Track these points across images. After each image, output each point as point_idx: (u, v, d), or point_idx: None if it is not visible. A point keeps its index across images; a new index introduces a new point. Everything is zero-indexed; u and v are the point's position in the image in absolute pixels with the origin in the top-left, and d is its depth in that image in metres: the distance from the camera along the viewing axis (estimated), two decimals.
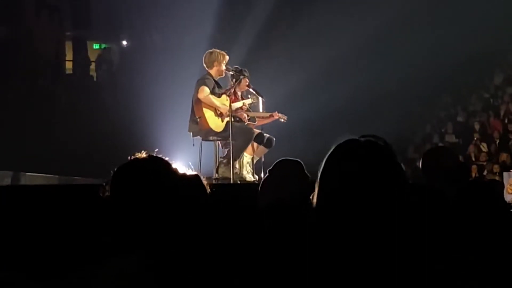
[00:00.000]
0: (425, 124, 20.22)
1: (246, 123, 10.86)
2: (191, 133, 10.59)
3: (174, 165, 2.73)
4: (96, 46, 22.36)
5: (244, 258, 2.61)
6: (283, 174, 4.11)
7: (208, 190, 2.81)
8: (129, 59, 20.80)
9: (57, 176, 11.57)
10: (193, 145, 10.75)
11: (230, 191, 7.64)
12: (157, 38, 20.25)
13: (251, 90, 11.05)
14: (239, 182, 10.24)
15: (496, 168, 16.30)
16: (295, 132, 14.09)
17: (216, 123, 10.37)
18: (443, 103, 21.07)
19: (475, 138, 18.60)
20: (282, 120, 11.31)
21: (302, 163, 4.22)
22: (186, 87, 10.84)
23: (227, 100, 10.44)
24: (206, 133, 10.47)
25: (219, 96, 10.43)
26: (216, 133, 10.45)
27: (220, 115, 10.42)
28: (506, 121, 18.95)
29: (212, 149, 10.92)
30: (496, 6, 18.44)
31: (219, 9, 17.47)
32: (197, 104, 10.33)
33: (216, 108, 10.34)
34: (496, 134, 18.31)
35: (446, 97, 21.15)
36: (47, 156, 12.97)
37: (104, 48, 22.05)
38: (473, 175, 16.62)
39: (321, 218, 2.13)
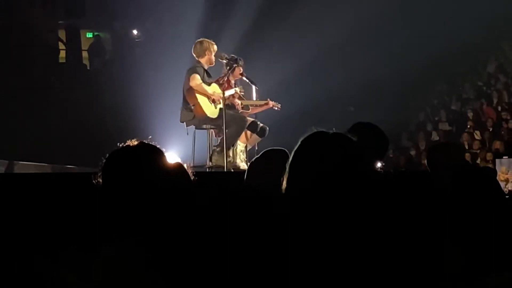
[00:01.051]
0: (418, 112, 20.22)
1: (239, 111, 10.87)
2: (185, 122, 10.62)
3: (166, 153, 2.73)
4: (89, 34, 22.28)
5: (232, 243, 2.63)
6: (267, 163, 4.12)
7: (192, 177, 2.81)
8: (122, 47, 20.76)
9: (50, 164, 11.56)
10: (187, 134, 10.77)
11: (224, 179, 7.65)
12: (151, 26, 20.21)
13: (244, 78, 11.06)
14: (232, 170, 10.25)
15: (489, 156, 16.32)
16: (289, 120, 14.07)
17: (210, 110, 10.42)
18: (437, 91, 21.08)
19: (469, 126, 18.63)
20: (276, 108, 11.33)
21: (287, 152, 4.22)
22: (180, 75, 10.84)
23: (217, 88, 10.49)
24: (201, 121, 10.50)
25: (209, 84, 10.48)
26: (210, 120, 10.48)
27: (213, 102, 10.46)
28: (499, 109, 18.98)
29: (205, 138, 10.94)
30: None
31: None
32: (190, 92, 10.36)
33: (209, 95, 10.38)
34: (489, 122, 18.33)
35: (439, 85, 21.16)
36: (41, 145, 12.96)
37: (97, 36, 21.98)
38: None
39: (289, 207, 2.25)
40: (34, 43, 17.57)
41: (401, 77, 18.47)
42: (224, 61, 10.88)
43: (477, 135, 18.19)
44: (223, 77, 10.74)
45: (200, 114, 10.36)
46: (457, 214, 3.33)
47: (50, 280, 2.47)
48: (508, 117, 18.22)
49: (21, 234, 5.12)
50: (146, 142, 2.74)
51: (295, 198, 2.23)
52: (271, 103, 11.28)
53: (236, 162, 10.69)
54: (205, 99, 10.41)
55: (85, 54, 21.43)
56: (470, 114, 19.15)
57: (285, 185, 2.29)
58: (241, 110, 10.92)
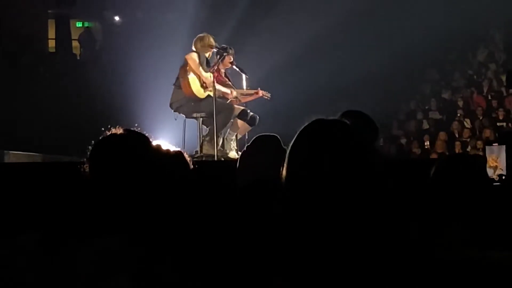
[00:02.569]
0: (409, 101, 20.24)
1: (229, 100, 10.87)
2: (173, 103, 10.61)
3: (156, 142, 2.72)
4: (79, 24, 22.23)
5: (225, 235, 2.62)
6: (261, 150, 4.10)
7: (191, 167, 2.80)
8: (112, 37, 20.72)
9: (40, 154, 11.54)
10: (175, 119, 10.78)
11: (214, 168, 7.65)
12: (140, 16, 20.17)
13: (234, 67, 11.05)
14: (222, 159, 10.26)
15: (479, 144, 16.35)
16: (279, 109, 14.09)
17: (198, 89, 10.43)
18: (427, 80, 21.08)
19: (459, 115, 18.67)
20: (266, 98, 11.32)
21: (279, 137, 4.22)
22: (170, 64, 10.83)
23: (211, 77, 10.48)
24: (188, 100, 10.47)
25: (206, 71, 10.51)
26: (197, 100, 10.44)
27: (203, 85, 10.48)
28: (489, 97, 19.02)
29: (195, 127, 10.93)
30: None
31: None
32: (183, 67, 10.40)
33: (201, 76, 10.41)
34: (479, 110, 18.37)
35: (429, 73, 21.17)
36: (31, 134, 12.94)
37: (87, 26, 21.92)
38: (457, 151, 16.69)
39: (289, 198, 2.17)
40: (23, 32, 17.52)
41: (391, 66, 18.48)
42: (215, 49, 10.88)
43: (467, 123, 18.24)
44: (213, 66, 10.73)
45: (188, 91, 10.37)
46: (441, 201, 3.34)
47: (37, 272, 2.46)
48: (498, 106, 18.28)
49: (11, 224, 5.12)
50: (133, 129, 2.72)
51: (298, 189, 2.14)
52: (261, 92, 11.27)
53: (226, 151, 10.70)
54: (196, 79, 10.44)
55: (75, 43, 21.39)
56: (460, 103, 19.18)
57: (285, 175, 2.20)
58: (231, 99, 10.91)
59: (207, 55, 10.68)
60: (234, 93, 10.94)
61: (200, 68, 10.44)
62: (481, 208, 3.29)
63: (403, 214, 2.23)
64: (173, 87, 10.65)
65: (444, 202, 3.32)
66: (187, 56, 10.46)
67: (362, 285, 2.03)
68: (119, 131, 2.67)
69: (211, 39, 10.71)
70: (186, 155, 2.80)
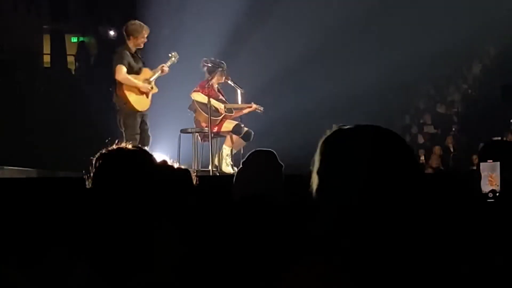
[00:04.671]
0: (404, 115, 20.27)
1: (223, 115, 10.87)
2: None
3: (159, 157, 2.73)
4: (74, 39, 22.25)
5: (223, 249, 2.63)
6: (257, 166, 4.11)
7: (195, 183, 2.82)
8: (107, 51, 20.73)
9: (35, 169, 11.52)
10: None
11: (209, 183, 7.65)
12: None
13: (229, 82, 11.08)
14: (218, 174, 10.27)
15: (474, 158, 16.36)
16: (274, 124, 14.09)
17: (141, 103, 10.24)
18: (422, 94, 21.12)
19: (454, 129, 18.69)
20: (259, 111, 11.34)
21: (275, 153, 4.22)
22: (165, 79, 10.82)
23: (148, 72, 10.36)
24: (132, 112, 10.29)
25: (138, 71, 10.29)
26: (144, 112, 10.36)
27: (143, 93, 10.30)
28: None
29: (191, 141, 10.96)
30: None
31: (198, 0, 17.40)
32: (119, 86, 10.18)
33: (139, 88, 10.21)
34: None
35: (424, 88, 21.21)
36: (25, 150, 12.92)
37: (82, 41, 21.93)
38: (451, 166, 16.70)
39: (331, 224, 1.93)
40: (18, 47, 17.52)
41: (386, 80, 18.50)
42: (209, 64, 10.90)
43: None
44: (207, 81, 10.75)
45: (132, 109, 10.22)
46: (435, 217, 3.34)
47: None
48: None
49: (6, 239, 5.11)
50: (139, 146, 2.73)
51: (339, 212, 1.90)
52: (254, 106, 11.29)
53: (222, 166, 10.71)
54: (134, 94, 10.20)
55: (70, 58, 21.39)
56: (455, 117, 19.21)
57: (317, 197, 1.95)
58: (224, 114, 10.92)
59: (131, 44, 10.29)
60: (223, 109, 10.96)
61: (133, 79, 10.17)
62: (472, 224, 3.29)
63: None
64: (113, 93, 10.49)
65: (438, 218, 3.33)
66: (117, 77, 10.00)
67: None
68: (122, 146, 2.68)
69: (141, 27, 10.44)
70: (192, 173, 2.81)
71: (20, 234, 5.12)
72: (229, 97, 11.28)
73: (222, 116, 10.88)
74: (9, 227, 5.31)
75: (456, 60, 20.53)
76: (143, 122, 10.33)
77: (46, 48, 20.75)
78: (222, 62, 11.03)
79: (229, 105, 11.09)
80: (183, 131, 11.01)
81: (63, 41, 21.53)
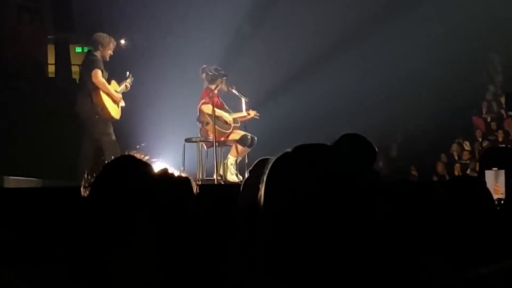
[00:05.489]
0: (408, 123, 20.23)
1: (231, 127, 10.85)
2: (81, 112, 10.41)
3: (161, 166, 2.73)
4: (78, 49, 22.25)
5: (226, 256, 2.62)
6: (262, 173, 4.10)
7: (196, 192, 2.81)
8: (112, 61, 20.74)
9: (40, 179, 11.51)
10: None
11: (214, 192, 7.65)
12: (139, 40, 20.20)
13: (234, 91, 11.08)
14: (222, 183, 10.28)
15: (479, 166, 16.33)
16: (278, 130, 14.09)
17: (115, 111, 10.31)
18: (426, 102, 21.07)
19: (458, 137, 18.67)
20: (256, 117, 11.36)
21: None
22: (169, 88, 10.84)
23: (116, 85, 10.39)
24: (106, 121, 10.30)
25: (107, 81, 10.37)
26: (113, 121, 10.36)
27: (115, 101, 10.34)
28: (488, 119, 19.02)
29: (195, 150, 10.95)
30: (478, 4, 18.48)
31: (201, 9, 17.42)
32: (95, 91, 10.18)
33: (112, 96, 10.24)
34: (478, 133, 18.37)
35: (428, 95, 21.16)
36: (30, 159, 12.91)
37: (87, 50, 21.94)
38: (456, 173, 16.68)
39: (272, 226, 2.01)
40: (23, 57, 17.54)
41: (389, 87, 18.49)
42: (210, 73, 10.90)
43: (467, 145, 18.23)
44: (210, 90, 10.75)
45: (107, 116, 10.22)
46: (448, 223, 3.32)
47: None
48: (497, 128, 18.28)
49: (12, 249, 5.10)
50: (133, 155, 2.72)
51: (278, 218, 1.99)
52: (252, 113, 11.31)
53: (227, 176, 10.71)
54: (109, 100, 10.25)
55: (74, 68, 21.40)
56: (459, 125, 19.18)
57: (264, 202, 2.08)
58: (233, 125, 10.91)
59: (99, 55, 10.41)
60: (231, 120, 10.97)
61: (108, 86, 10.21)
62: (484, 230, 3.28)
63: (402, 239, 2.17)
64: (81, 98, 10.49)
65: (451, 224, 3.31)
66: (95, 80, 10.09)
67: None
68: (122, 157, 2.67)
69: (108, 40, 10.51)
70: (192, 181, 2.80)
71: (25, 244, 5.12)
72: (234, 106, 11.29)
73: (232, 128, 10.89)
74: (13, 237, 5.31)
75: (461, 67, 20.50)
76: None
77: (51, 58, 20.75)
78: (222, 71, 11.05)
79: (233, 115, 11.11)
80: (188, 140, 11.00)
81: (68, 51, 21.52)
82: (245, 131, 11.14)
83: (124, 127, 14.98)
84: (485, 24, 18.84)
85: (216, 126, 10.56)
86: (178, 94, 11.61)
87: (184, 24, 17.27)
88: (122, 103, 10.44)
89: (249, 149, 10.92)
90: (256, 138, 10.98)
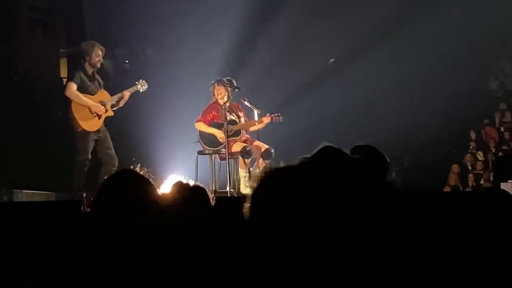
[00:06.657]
0: (421, 133, 20.18)
1: (222, 145, 10.80)
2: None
3: (176, 179, 2.73)
4: None
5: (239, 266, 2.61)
6: None
7: (213, 203, 2.81)
8: (124, 74, 20.80)
9: (54, 192, 11.53)
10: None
11: (227, 203, 7.63)
12: (152, 53, 20.25)
13: (246, 103, 11.09)
14: (236, 195, 10.28)
15: (490, 175, 16.28)
16: (290, 140, 14.08)
17: (88, 123, 10.14)
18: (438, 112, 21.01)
19: (471, 147, 18.59)
20: (276, 121, 11.27)
21: None
22: (181, 100, 10.86)
23: (107, 95, 10.32)
24: (82, 135, 10.24)
25: (92, 92, 10.23)
26: (95, 132, 10.29)
27: (92, 113, 10.21)
28: (502, 129, 18.95)
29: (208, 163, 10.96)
30: (489, 10, 18.44)
31: (212, 22, 17.45)
32: (68, 103, 10.15)
33: (89, 107, 10.12)
34: (492, 143, 18.30)
35: (440, 105, 21.11)
36: (43, 172, 12.94)
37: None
38: (470, 184, 16.63)
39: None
40: (35, 71, 17.61)
41: (401, 98, 18.46)
42: (223, 86, 10.91)
43: (480, 156, 18.16)
44: (225, 102, 10.77)
45: (78, 127, 10.16)
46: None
47: None
48: (510, 137, 18.22)
49: (24, 263, 5.11)
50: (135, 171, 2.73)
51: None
52: (267, 118, 11.23)
53: (240, 188, 10.71)
54: (84, 113, 10.13)
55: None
56: (472, 135, 19.11)
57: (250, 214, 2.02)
58: (225, 142, 10.82)
59: (86, 64, 10.40)
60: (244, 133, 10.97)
61: (81, 97, 10.07)
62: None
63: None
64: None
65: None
66: (66, 92, 10.09)
67: None
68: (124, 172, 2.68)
69: (95, 48, 10.45)
70: (208, 192, 2.80)
71: (37, 257, 5.12)
72: (248, 117, 11.29)
73: (222, 146, 10.82)
74: (27, 250, 5.31)
75: (473, 76, 20.45)
76: (99, 144, 10.30)
77: (63, 72, 20.83)
78: (228, 83, 11.06)
79: (237, 126, 11.05)
80: (200, 152, 11.02)
81: (80, 64, 21.60)
82: (257, 139, 11.14)
83: (137, 140, 15.05)
84: (497, 33, 18.80)
85: (205, 145, 10.62)
86: (191, 106, 11.62)
87: (196, 37, 17.32)
88: (110, 113, 10.33)
89: (267, 161, 10.84)
90: (273, 150, 10.98)
